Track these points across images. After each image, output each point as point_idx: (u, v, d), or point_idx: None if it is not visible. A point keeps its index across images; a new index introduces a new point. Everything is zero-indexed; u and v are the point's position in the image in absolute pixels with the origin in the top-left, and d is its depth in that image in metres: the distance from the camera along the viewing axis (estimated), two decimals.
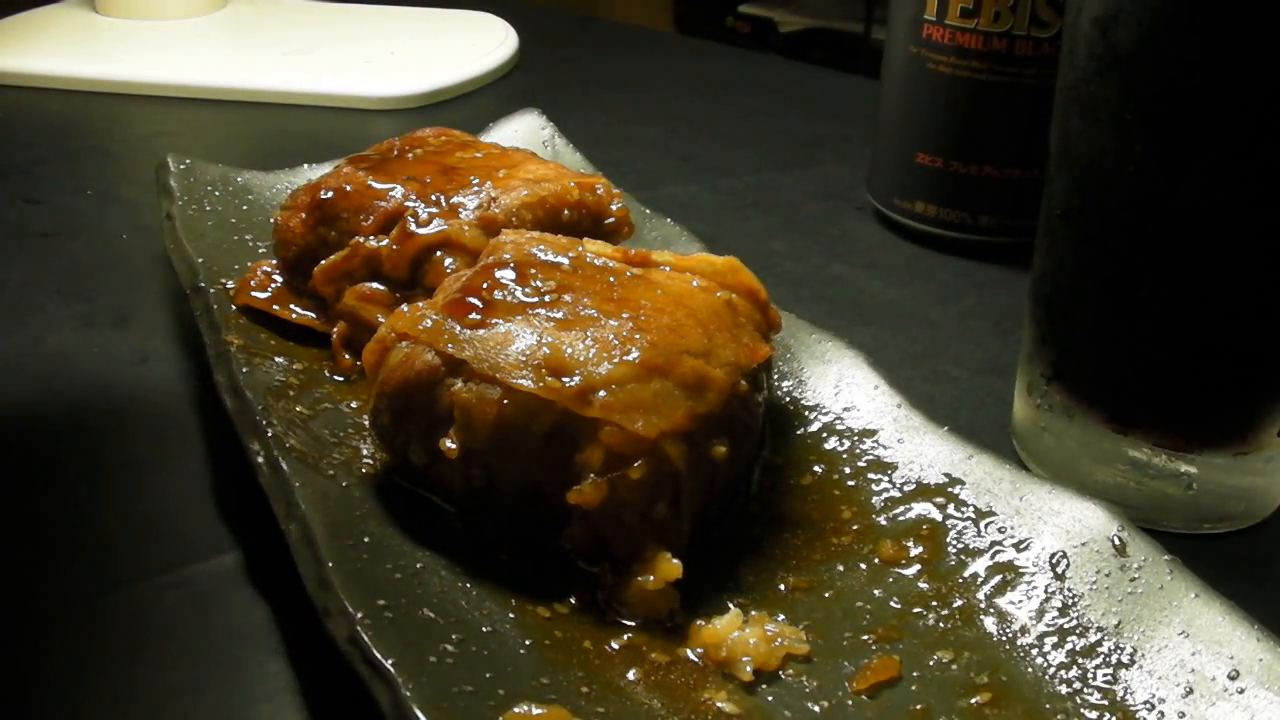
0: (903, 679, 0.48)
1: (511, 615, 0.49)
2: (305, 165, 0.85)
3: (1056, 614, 0.50)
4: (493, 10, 1.43)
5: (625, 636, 0.49)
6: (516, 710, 0.43)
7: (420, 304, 0.57)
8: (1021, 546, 0.53)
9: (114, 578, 0.53)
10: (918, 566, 0.54)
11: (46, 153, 1.00)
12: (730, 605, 0.51)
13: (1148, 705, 0.46)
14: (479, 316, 0.54)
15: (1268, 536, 0.60)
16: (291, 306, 0.67)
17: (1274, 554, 0.59)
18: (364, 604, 0.46)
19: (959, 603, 0.52)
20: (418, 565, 0.51)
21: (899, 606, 0.52)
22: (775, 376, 0.64)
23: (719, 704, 0.46)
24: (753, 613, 0.50)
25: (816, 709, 0.47)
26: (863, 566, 0.54)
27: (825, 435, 0.61)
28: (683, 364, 0.53)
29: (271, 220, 0.72)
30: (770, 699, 0.47)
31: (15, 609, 0.52)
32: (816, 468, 0.59)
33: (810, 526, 0.56)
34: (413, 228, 0.66)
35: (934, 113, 0.87)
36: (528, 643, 0.48)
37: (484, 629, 0.48)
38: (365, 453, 0.57)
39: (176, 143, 1.04)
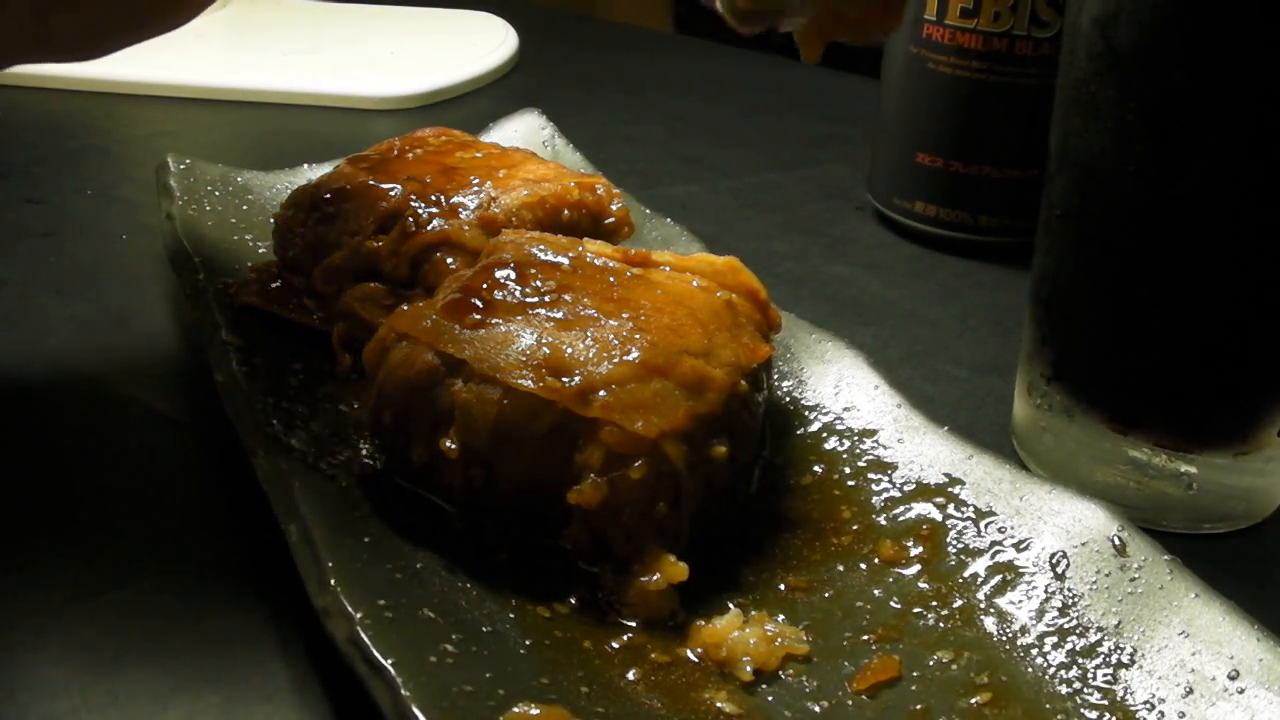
0: (902, 679, 0.48)
1: (511, 615, 0.49)
2: (305, 165, 0.85)
3: (1056, 614, 0.50)
4: (493, 10, 1.43)
5: (625, 636, 0.49)
6: (516, 710, 0.43)
7: (420, 304, 0.57)
8: (1021, 546, 0.53)
9: (113, 577, 0.53)
10: (918, 566, 0.54)
11: (47, 152, 1.00)
12: (730, 605, 0.51)
13: (1148, 705, 0.46)
14: (479, 316, 0.54)
15: (1268, 536, 0.60)
16: (291, 306, 0.67)
17: (1274, 554, 0.59)
18: (364, 604, 0.46)
19: (959, 603, 0.52)
20: (418, 565, 0.51)
21: (899, 606, 0.52)
22: (775, 376, 0.64)
23: (719, 704, 0.46)
24: (752, 613, 0.50)
25: (816, 709, 0.47)
26: (863, 566, 0.54)
27: (825, 435, 0.61)
28: (683, 364, 0.53)
29: (271, 220, 0.72)
30: (770, 699, 0.47)
31: (14, 608, 0.52)
32: (816, 468, 0.59)
33: (810, 526, 0.56)
34: (413, 227, 0.66)
35: (934, 113, 0.87)
36: (528, 643, 0.48)
37: (484, 629, 0.48)
38: (365, 453, 0.57)
39: (177, 143, 1.04)
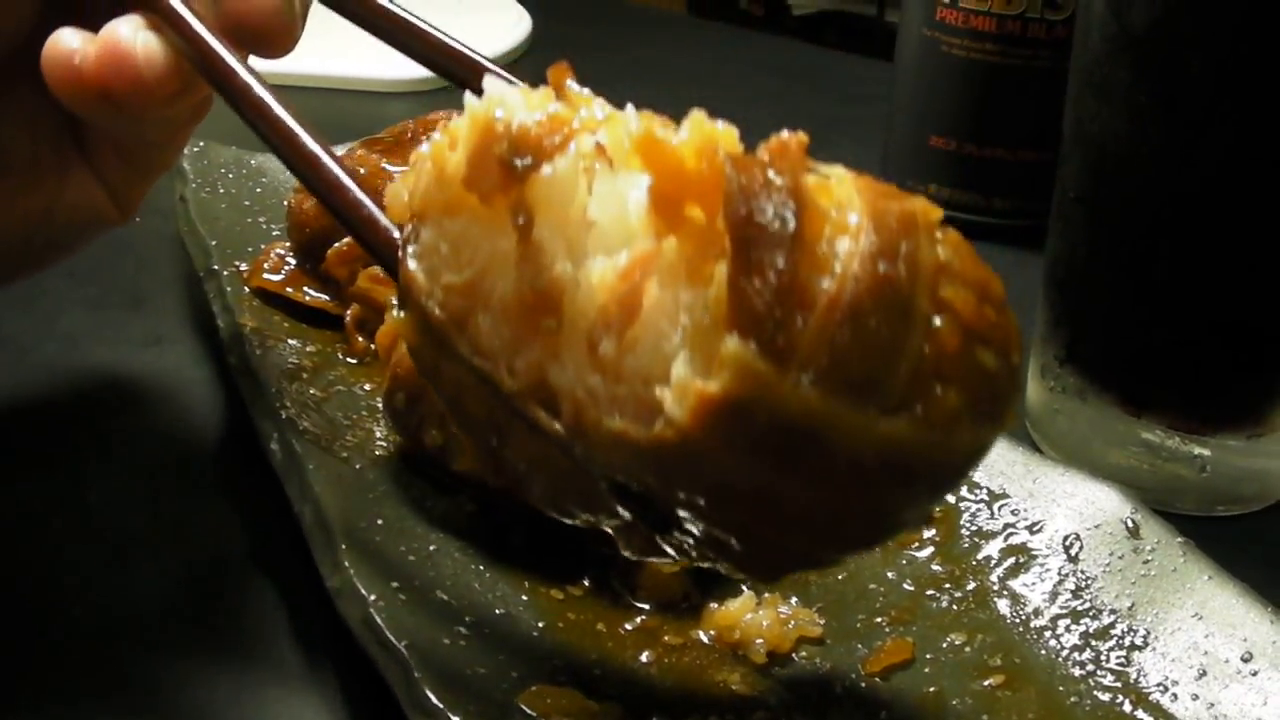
0: (916, 661, 0.48)
1: (525, 597, 0.49)
2: None
3: (1070, 596, 0.50)
4: None
5: (638, 619, 0.50)
6: (530, 691, 0.43)
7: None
8: (1035, 529, 0.53)
9: (125, 560, 0.53)
10: (931, 549, 0.53)
11: None
12: (744, 588, 0.51)
13: (1161, 687, 0.46)
14: None
15: None
16: (305, 289, 0.67)
17: None
18: (377, 586, 0.46)
19: (972, 585, 0.52)
20: (431, 548, 0.51)
21: (912, 589, 0.52)
22: None
23: (732, 686, 0.46)
24: (765, 595, 0.50)
25: (830, 691, 0.47)
26: (876, 549, 0.54)
27: None
28: None
29: (285, 203, 0.72)
30: (783, 681, 0.47)
31: (25, 592, 0.52)
32: None
33: None
34: None
35: (948, 95, 0.87)
36: (541, 625, 0.48)
37: (497, 611, 0.48)
38: (379, 435, 0.58)
39: None
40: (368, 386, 0.61)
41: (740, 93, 1.24)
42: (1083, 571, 0.51)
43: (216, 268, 0.67)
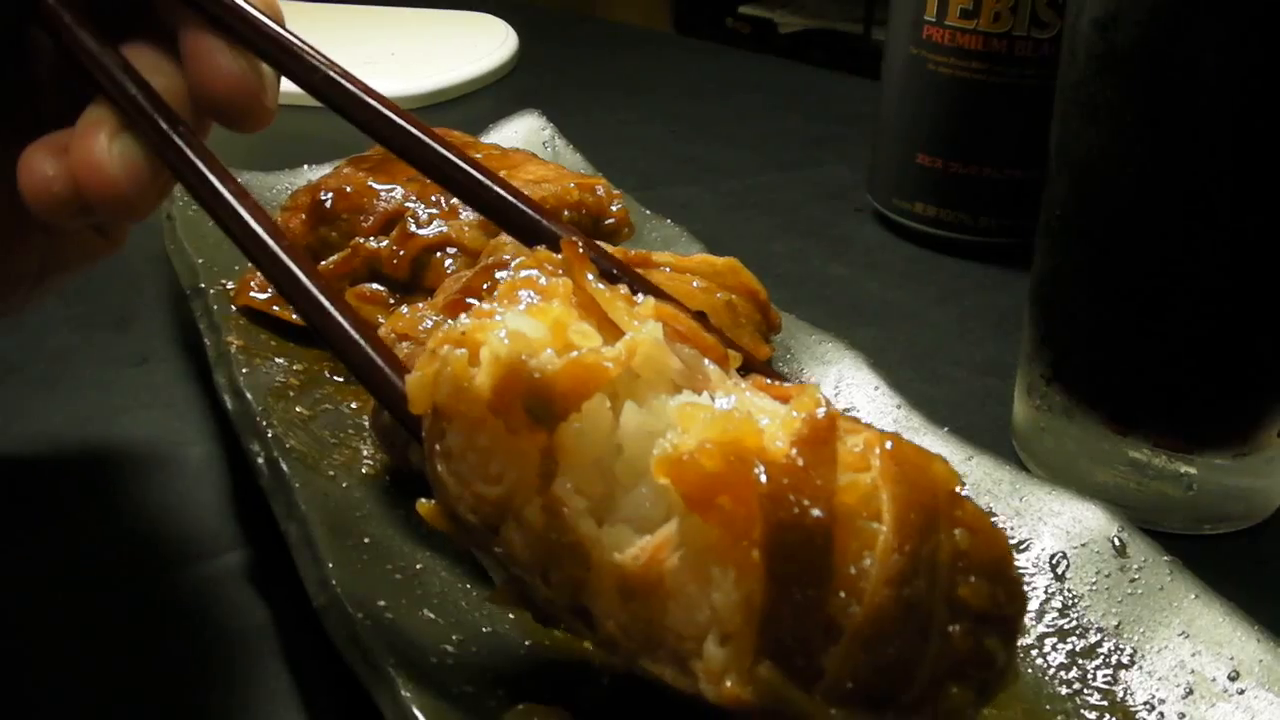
0: None
1: (511, 616, 0.49)
2: (305, 166, 0.85)
3: (1056, 615, 0.50)
4: (493, 10, 1.43)
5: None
6: (516, 710, 0.43)
7: (420, 305, 0.57)
8: (1021, 547, 0.53)
9: (113, 578, 0.53)
10: None
11: None
12: None
13: (1148, 706, 0.46)
14: None
15: (1268, 537, 0.60)
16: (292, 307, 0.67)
17: (1274, 554, 0.59)
18: (364, 605, 0.46)
19: None
20: (418, 566, 0.51)
21: None
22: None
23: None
24: None
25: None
26: None
27: None
28: None
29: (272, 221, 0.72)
30: None
31: (15, 609, 0.52)
32: None
33: None
34: (413, 228, 0.66)
35: (934, 114, 0.87)
36: (528, 643, 0.48)
37: (484, 629, 0.48)
38: (365, 453, 0.57)
39: None
40: (354, 405, 0.61)
41: (727, 111, 1.25)
42: (1069, 590, 0.51)
43: (203, 286, 0.67)
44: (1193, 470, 0.58)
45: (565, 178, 0.72)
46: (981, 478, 0.56)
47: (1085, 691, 0.47)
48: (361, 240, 0.67)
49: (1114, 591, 0.50)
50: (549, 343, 0.38)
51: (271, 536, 0.51)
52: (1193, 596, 0.48)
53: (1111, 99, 0.55)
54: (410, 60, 1.27)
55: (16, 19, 0.50)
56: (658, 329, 0.39)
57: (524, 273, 0.41)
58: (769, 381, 0.41)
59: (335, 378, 0.63)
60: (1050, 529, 0.53)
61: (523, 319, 0.39)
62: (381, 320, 0.62)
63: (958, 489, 0.37)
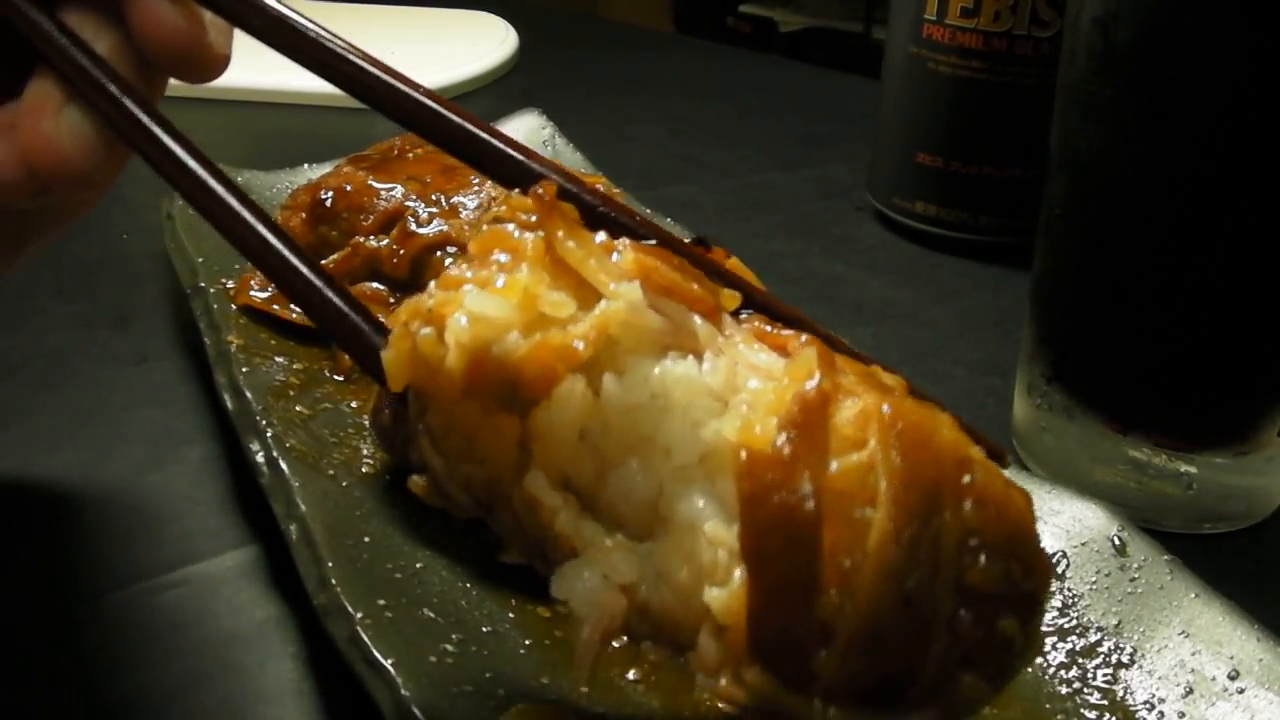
0: None
1: (511, 615, 0.49)
2: (306, 165, 0.85)
3: (1056, 614, 0.50)
4: (493, 10, 1.43)
5: (625, 637, 0.49)
6: (516, 709, 0.43)
7: None
8: None
9: (113, 578, 0.53)
10: None
11: None
12: None
13: (1147, 705, 0.46)
14: None
15: (1268, 536, 0.60)
16: (292, 306, 0.67)
17: (1274, 554, 0.59)
18: (364, 604, 0.46)
19: None
20: (418, 565, 0.51)
21: None
22: None
23: (719, 704, 0.46)
24: None
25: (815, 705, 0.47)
26: None
27: None
28: None
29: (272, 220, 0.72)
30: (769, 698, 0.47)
31: (15, 610, 0.52)
32: None
33: None
34: (413, 227, 0.66)
35: (934, 113, 0.87)
36: (528, 643, 0.48)
37: (484, 629, 0.48)
38: (365, 452, 0.57)
39: None
40: (354, 404, 0.61)
41: (727, 110, 1.25)
42: (1069, 589, 0.51)
43: (203, 285, 0.67)
44: (1193, 469, 0.58)
45: None
46: None
47: (1085, 690, 0.47)
48: (362, 239, 0.67)
49: (1114, 590, 0.50)
50: (515, 321, 0.37)
51: (271, 536, 0.51)
52: (1193, 596, 0.48)
53: (1112, 98, 0.55)
54: (410, 59, 1.26)
55: None
56: (636, 290, 0.37)
57: (497, 226, 0.39)
58: (768, 329, 0.39)
59: (335, 377, 0.63)
60: (1050, 528, 0.53)
61: (486, 299, 0.37)
62: (382, 319, 0.62)
63: (967, 454, 0.35)
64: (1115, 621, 0.49)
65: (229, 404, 0.58)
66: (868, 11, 2.81)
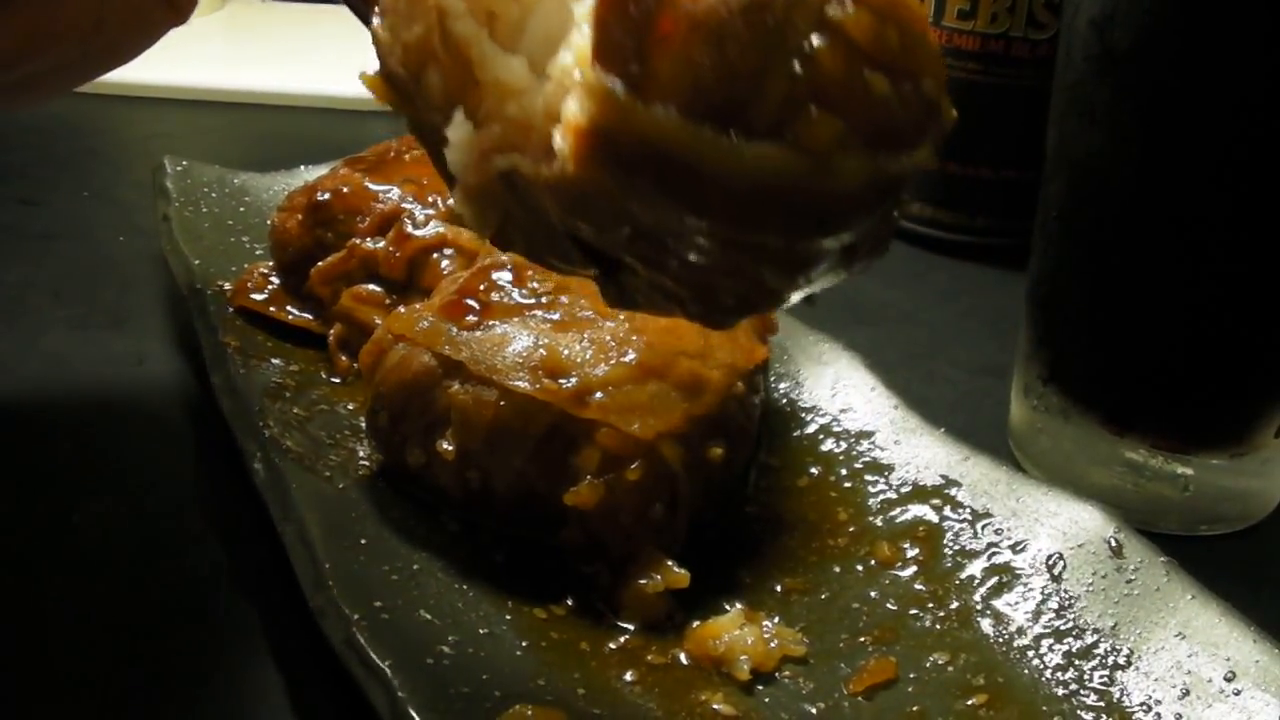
0: (899, 680, 0.48)
1: (508, 617, 0.49)
2: (302, 167, 0.85)
3: (1053, 615, 0.50)
4: None
5: (622, 638, 0.49)
6: (513, 711, 0.43)
7: (417, 305, 0.57)
8: (1018, 548, 0.53)
9: (109, 578, 0.53)
10: (914, 568, 0.53)
11: (43, 155, 1.00)
12: (727, 608, 0.51)
13: (1144, 707, 0.46)
14: (475, 318, 0.54)
15: (1264, 538, 0.60)
16: (288, 308, 0.67)
17: (1270, 555, 0.59)
18: (360, 605, 0.46)
19: (955, 604, 0.52)
20: (414, 567, 0.51)
21: (895, 608, 0.52)
22: (772, 378, 0.64)
23: (715, 705, 0.46)
24: (748, 613, 0.50)
25: (813, 710, 0.47)
26: (859, 568, 0.54)
27: (822, 437, 0.61)
28: (679, 366, 0.53)
29: (268, 222, 0.72)
30: (767, 700, 0.47)
31: (11, 609, 0.52)
32: (813, 469, 0.59)
33: (807, 528, 0.56)
34: (409, 229, 0.66)
35: None
36: (524, 644, 0.48)
37: (480, 630, 0.48)
38: (362, 454, 0.57)
39: (173, 144, 1.04)
40: (351, 406, 0.61)
41: None
42: (1066, 591, 0.51)
43: (199, 287, 0.67)
44: (1189, 471, 0.58)
45: None
46: (978, 478, 0.56)
47: (1082, 692, 0.47)
48: (358, 241, 0.67)
49: (1110, 592, 0.50)
50: None
51: (268, 537, 0.51)
52: (1189, 597, 0.48)
53: (1108, 99, 0.55)
54: None
55: None
56: None
57: None
58: None
59: (331, 379, 0.63)
60: (1047, 530, 0.53)
61: None
62: (378, 321, 0.62)
63: None
64: (1112, 623, 0.49)
65: (225, 405, 0.58)
66: None
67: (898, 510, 0.56)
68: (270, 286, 0.69)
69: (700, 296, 0.36)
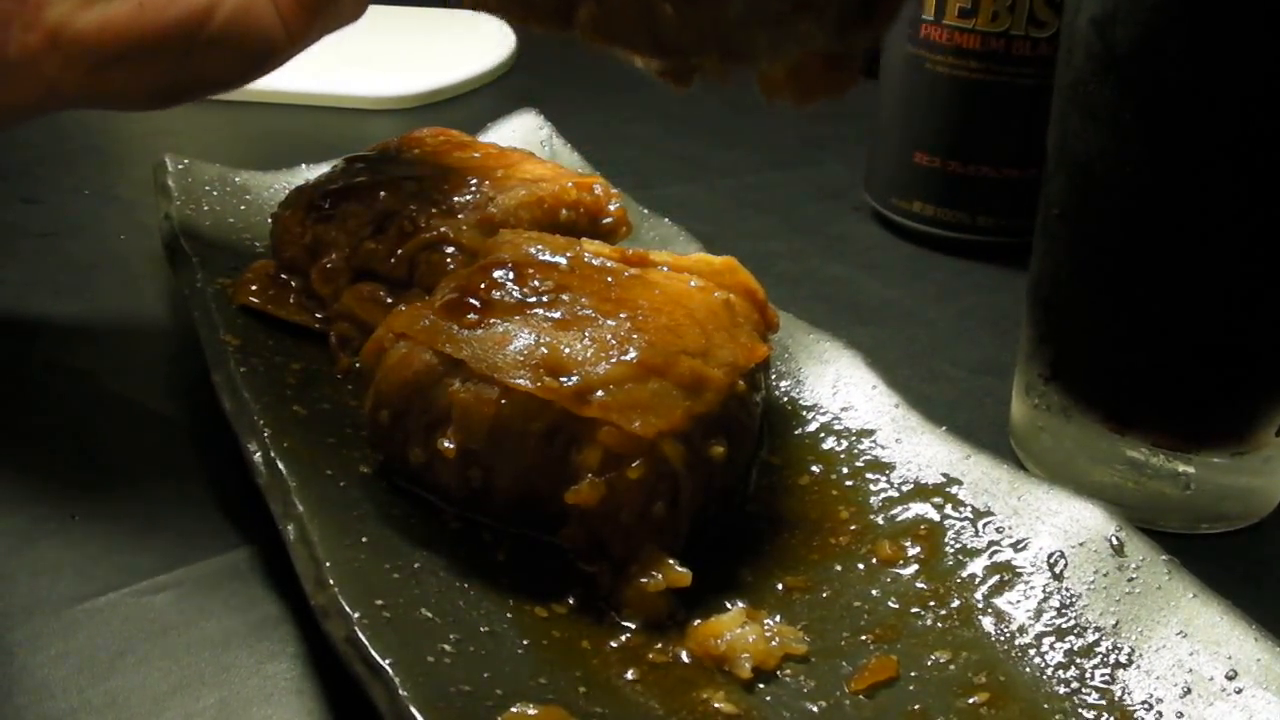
0: (900, 679, 0.48)
1: (509, 615, 0.49)
2: (303, 165, 0.85)
3: (1054, 614, 0.50)
4: None
5: (623, 637, 0.49)
6: (514, 710, 0.43)
7: (418, 304, 0.57)
8: (1019, 546, 0.53)
9: (111, 578, 0.53)
10: (915, 566, 0.53)
11: (44, 152, 1.00)
12: (728, 606, 0.51)
13: (1145, 705, 0.46)
14: (477, 316, 0.54)
15: (1265, 536, 0.60)
16: (289, 306, 0.67)
17: (1272, 554, 0.59)
18: (361, 604, 0.46)
19: (957, 603, 0.52)
20: (415, 565, 0.50)
21: (897, 606, 0.52)
22: (773, 376, 0.64)
23: (716, 704, 0.46)
24: (750, 612, 0.50)
25: (814, 709, 0.47)
26: (860, 567, 0.54)
27: (823, 435, 0.61)
28: (680, 364, 0.53)
29: (269, 220, 0.72)
30: (768, 699, 0.47)
31: (12, 609, 0.52)
32: (814, 468, 0.59)
33: (808, 527, 0.56)
34: (411, 228, 0.66)
35: (932, 113, 0.87)
36: (525, 643, 0.48)
37: (482, 629, 0.48)
38: (363, 453, 0.57)
39: (174, 142, 1.04)
40: (352, 404, 0.61)
41: (725, 110, 1.24)
42: (1067, 589, 0.51)
43: (200, 285, 0.67)
44: (1190, 469, 0.58)
45: (563, 176, 0.72)
46: (979, 477, 0.56)
47: (1083, 691, 0.47)
48: (359, 239, 0.67)
49: (1112, 591, 0.50)
50: None
51: (269, 536, 0.51)
52: (1190, 596, 0.48)
53: (1109, 98, 0.55)
54: (409, 59, 1.27)
55: None
56: None
57: None
58: None
59: (333, 377, 0.63)
60: (1048, 528, 0.53)
61: None
62: (379, 320, 0.62)
63: None
64: (1113, 621, 0.49)
65: (226, 404, 0.58)
66: None
67: (899, 508, 0.56)
68: (271, 285, 0.69)
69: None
